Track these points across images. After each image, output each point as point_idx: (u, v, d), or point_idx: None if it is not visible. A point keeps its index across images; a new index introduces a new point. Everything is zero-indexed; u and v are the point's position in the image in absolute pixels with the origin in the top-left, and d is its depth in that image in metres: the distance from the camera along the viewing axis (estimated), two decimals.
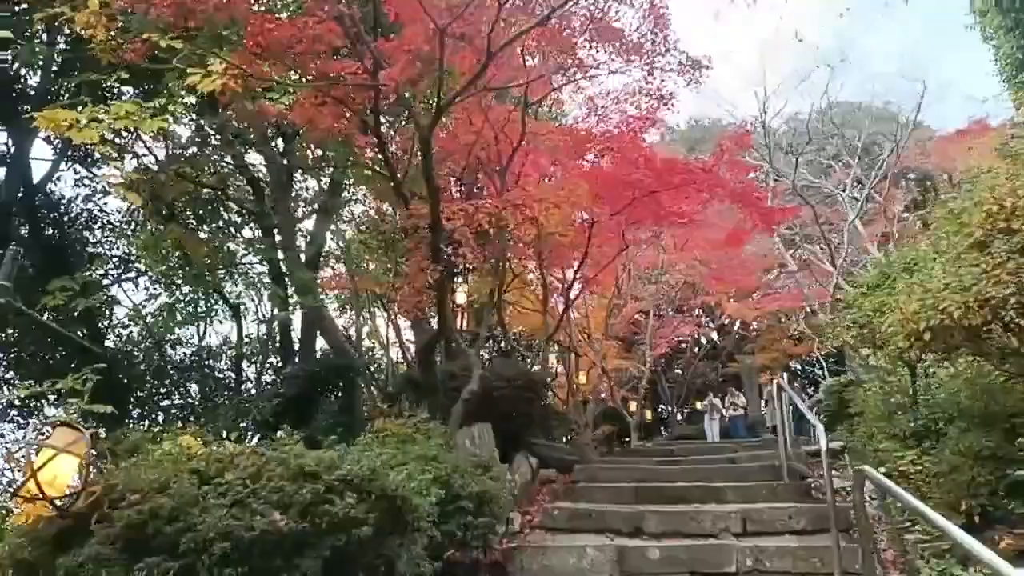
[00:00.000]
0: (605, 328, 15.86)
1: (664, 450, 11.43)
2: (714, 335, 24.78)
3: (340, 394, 10.10)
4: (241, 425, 9.50)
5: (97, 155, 10.35)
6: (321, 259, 12.50)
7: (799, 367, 26.19)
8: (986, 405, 5.72)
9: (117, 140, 8.86)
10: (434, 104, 6.69)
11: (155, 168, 9.77)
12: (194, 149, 10.21)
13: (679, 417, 25.07)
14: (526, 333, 17.37)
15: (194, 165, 9.15)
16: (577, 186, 8.24)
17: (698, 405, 23.58)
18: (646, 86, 7.62)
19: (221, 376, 13.94)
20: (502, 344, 16.80)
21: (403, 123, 10.88)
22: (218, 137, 10.20)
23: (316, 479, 3.24)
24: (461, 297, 10.60)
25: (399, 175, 7.17)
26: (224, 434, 7.87)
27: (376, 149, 7.74)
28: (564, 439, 12.43)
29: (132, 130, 8.08)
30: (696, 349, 24.58)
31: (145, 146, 10.26)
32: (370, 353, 13.71)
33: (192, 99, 8.64)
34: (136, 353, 13.10)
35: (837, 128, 16.07)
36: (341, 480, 3.27)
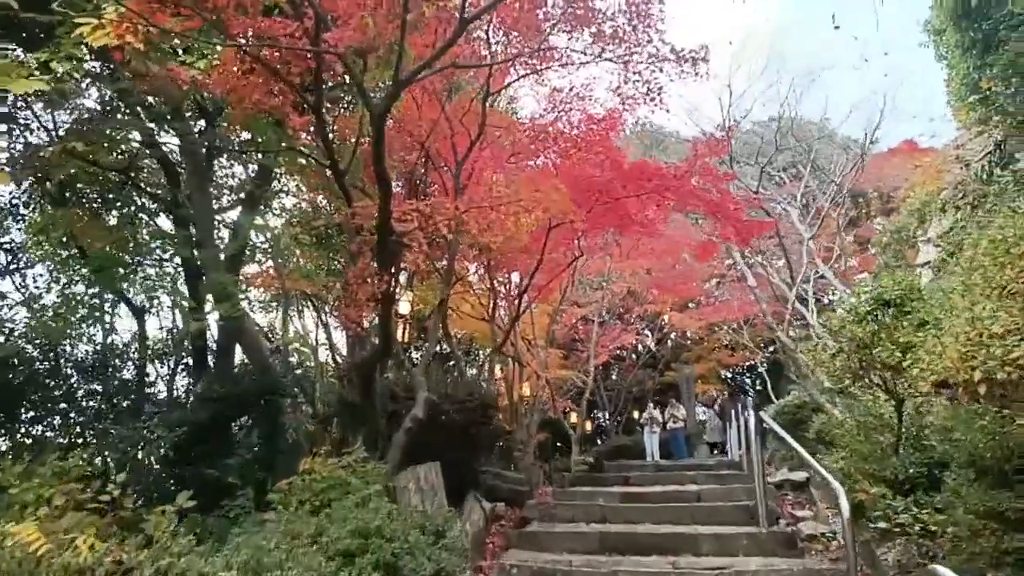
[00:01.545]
0: (548, 335, 15.01)
1: (619, 477, 10.62)
2: (652, 345, 24.41)
3: (262, 420, 8.66)
4: (138, 456, 7.94)
5: None
6: (245, 256, 10.96)
7: (729, 375, 26.34)
8: (1007, 457, 5.06)
9: None
10: (386, 83, 5.60)
11: (45, 143, 8.24)
12: (79, 118, 8.60)
13: (614, 426, 24.46)
14: (465, 338, 16.35)
15: (90, 140, 7.64)
16: (554, 188, 7.25)
17: (635, 415, 23.03)
18: (631, 76, 6.73)
19: (129, 381, 12.26)
20: (442, 351, 15.79)
21: (343, 110, 9.67)
22: (121, 106, 8.65)
23: None
24: (404, 307, 9.44)
25: (341, 165, 5.99)
26: (114, 472, 6.48)
27: (313, 133, 6.54)
28: (500, 451, 11.48)
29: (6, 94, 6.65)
30: (635, 357, 24.16)
31: (35, 116, 8.67)
32: (298, 367, 12.21)
33: (87, 58, 7.17)
34: (31, 351, 11.31)
35: (798, 140, 15.68)
36: None
